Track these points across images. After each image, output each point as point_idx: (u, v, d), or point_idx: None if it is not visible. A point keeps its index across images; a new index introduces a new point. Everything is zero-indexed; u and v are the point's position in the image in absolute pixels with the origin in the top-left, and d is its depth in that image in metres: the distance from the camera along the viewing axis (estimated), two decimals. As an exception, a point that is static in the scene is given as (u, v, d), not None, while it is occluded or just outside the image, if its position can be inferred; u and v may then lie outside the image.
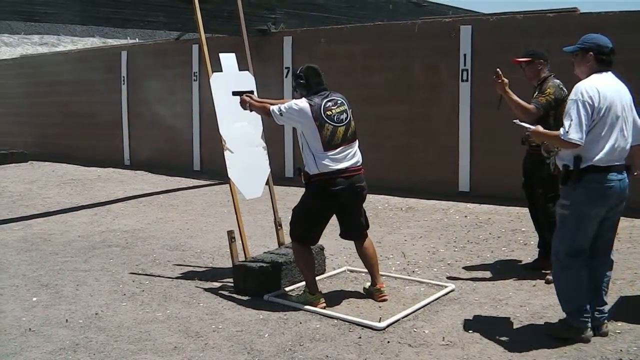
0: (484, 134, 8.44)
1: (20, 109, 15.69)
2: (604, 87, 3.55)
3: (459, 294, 4.64)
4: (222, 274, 5.22)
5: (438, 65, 8.93)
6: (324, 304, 4.37)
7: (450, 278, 5.06)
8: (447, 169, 8.79)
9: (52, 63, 15.32)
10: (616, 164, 3.58)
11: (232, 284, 4.86)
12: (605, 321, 3.77)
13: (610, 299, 4.17)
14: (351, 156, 4.36)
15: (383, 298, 4.51)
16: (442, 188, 8.66)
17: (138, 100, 12.70)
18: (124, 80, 13.05)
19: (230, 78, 5.09)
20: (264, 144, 5.33)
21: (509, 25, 8.36)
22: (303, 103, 4.30)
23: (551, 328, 3.87)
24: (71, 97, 14.19)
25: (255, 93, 5.04)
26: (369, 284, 4.66)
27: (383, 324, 3.98)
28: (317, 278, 4.62)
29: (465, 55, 8.60)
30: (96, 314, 4.35)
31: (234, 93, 4.77)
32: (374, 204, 8.09)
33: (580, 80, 3.65)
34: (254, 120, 5.18)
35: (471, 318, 4.15)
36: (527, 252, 5.76)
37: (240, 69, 5.25)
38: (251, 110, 4.69)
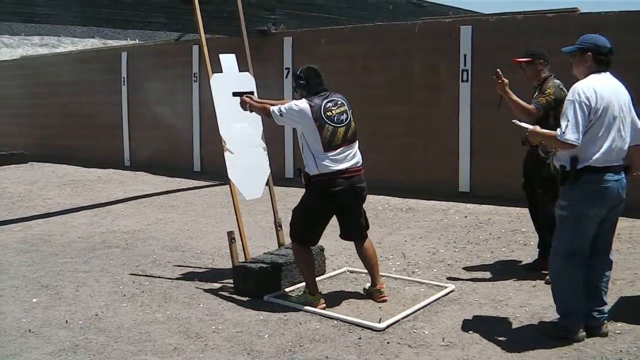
0: (484, 135, 8.44)
1: (20, 110, 15.70)
2: (601, 87, 3.56)
3: (459, 295, 4.63)
4: (222, 275, 5.22)
5: (438, 65, 8.94)
6: (324, 305, 4.37)
7: (450, 279, 5.06)
8: (447, 169, 8.79)
9: (53, 64, 15.33)
10: (613, 164, 3.58)
11: (232, 285, 4.86)
12: (605, 321, 3.77)
13: (610, 299, 4.17)
14: (351, 157, 4.36)
15: (383, 299, 4.51)
16: (442, 188, 8.66)
17: (138, 101, 12.71)
18: (124, 81, 13.06)
19: (230, 79, 5.09)
20: (264, 145, 5.33)
21: (509, 25, 8.36)
22: (303, 104, 4.30)
23: (545, 327, 3.88)
24: (71, 98, 14.19)
25: (256, 94, 5.04)
26: (369, 284, 4.65)
27: (383, 325, 3.98)
28: (317, 279, 4.62)
29: (465, 55, 8.60)
30: (96, 315, 4.35)
31: (234, 94, 4.77)
32: (374, 205, 8.09)
33: (578, 80, 3.65)
34: (254, 121, 5.18)
35: (471, 319, 4.15)
36: (527, 252, 5.75)
37: (240, 70, 5.25)
38: (251, 111, 4.69)
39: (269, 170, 5.34)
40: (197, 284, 5.03)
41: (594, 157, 3.52)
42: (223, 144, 4.93)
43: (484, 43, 8.45)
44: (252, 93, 4.84)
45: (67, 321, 4.22)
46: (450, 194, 8.54)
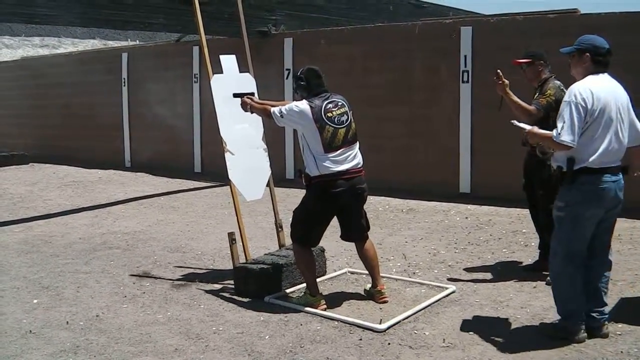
0: (484, 135, 8.44)
1: (21, 111, 15.71)
2: (598, 88, 3.56)
3: (459, 296, 4.63)
4: (223, 276, 5.22)
5: (438, 66, 8.94)
6: (325, 306, 4.37)
7: (451, 280, 5.06)
8: (447, 170, 8.79)
9: (53, 65, 15.34)
10: (611, 165, 3.58)
11: (232, 286, 4.86)
12: (606, 322, 3.77)
13: (611, 300, 4.17)
14: (352, 158, 4.36)
15: (384, 300, 4.51)
16: (443, 189, 8.66)
17: (139, 102, 12.71)
18: (124, 82, 13.06)
19: (230, 80, 5.09)
20: (265, 146, 5.33)
21: (510, 26, 8.36)
22: (304, 105, 4.30)
23: (546, 328, 3.89)
24: (72, 99, 14.20)
25: (256, 95, 5.04)
26: (369, 285, 4.65)
27: (384, 326, 3.98)
28: (317, 280, 4.61)
29: (465, 56, 8.60)
30: (97, 316, 4.35)
31: (235, 95, 4.77)
32: (375, 206, 8.09)
33: (576, 81, 3.66)
34: (255, 122, 5.18)
35: (472, 320, 4.15)
36: (528, 253, 5.75)
37: (240, 71, 5.25)
38: (252, 112, 4.69)
39: (270, 171, 5.34)
40: (198, 285, 5.03)
41: (590, 159, 3.53)
42: (223, 145, 4.93)
43: (484, 44, 8.46)
44: (252, 94, 4.85)
45: (67, 322, 4.22)
46: (451, 195, 8.54)
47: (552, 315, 4.04)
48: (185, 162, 11.96)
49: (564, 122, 3.49)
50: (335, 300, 4.56)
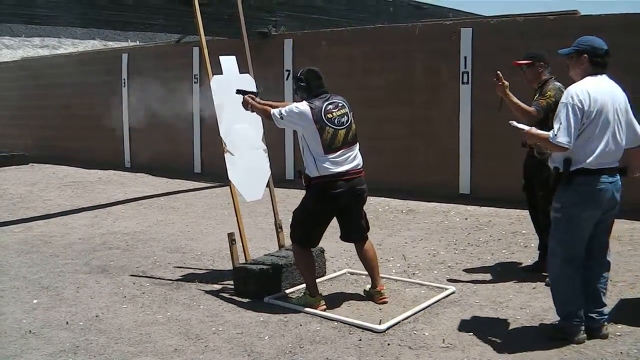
0: (484, 137, 8.44)
1: (21, 112, 15.70)
2: (595, 90, 3.56)
3: (459, 297, 4.64)
4: (223, 277, 5.22)
5: (438, 67, 8.94)
6: (324, 307, 4.37)
7: (450, 280, 5.06)
8: (447, 171, 8.79)
9: (53, 65, 15.34)
10: (608, 166, 3.59)
11: (232, 287, 4.86)
12: (605, 323, 3.77)
13: (611, 301, 4.18)
14: (352, 159, 4.36)
15: (383, 300, 4.51)
16: (443, 190, 8.66)
17: (139, 102, 12.70)
18: (124, 83, 13.07)
19: (230, 81, 5.10)
20: (265, 147, 5.33)
21: (510, 27, 8.37)
22: (304, 106, 4.30)
23: (545, 329, 3.89)
24: (72, 100, 14.20)
25: (259, 96, 5.04)
26: (369, 286, 4.66)
27: (383, 327, 3.98)
28: (317, 280, 4.61)
29: (465, 57, 8.61)
30: (96, 316, 4.35)
31: (238, 91, 4.75)
32: (375, 207, 8.09)
33: (574, 82, 3.66)
34: (255, 123, 5.18)
35: (471, 320, 4.15)
36: (528, 254, 5.75)
37: (240, 72, 5.26)
38: (252, 111, 4.69)
39: (270, 172, 5.35)
40: (198, 285, 5.03)
41: (588, 160, 3.54)
42: (223, 145, 4.93)
43: (484, 45, 8.46)
44: (256, 94, 4.84)
45: (67, 322, 4.22)
46: (451, 196, 8.54)
47: (551, 316, 4.05)
48: (185, 162, 11.97)
49: (561, 124, 3.50)
50: (335, 300, 4.56)
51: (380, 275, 4.66)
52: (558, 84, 4.86)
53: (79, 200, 9.52)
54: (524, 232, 6.61)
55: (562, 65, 4.00)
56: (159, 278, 5.28)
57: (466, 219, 7.49)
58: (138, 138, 12.99)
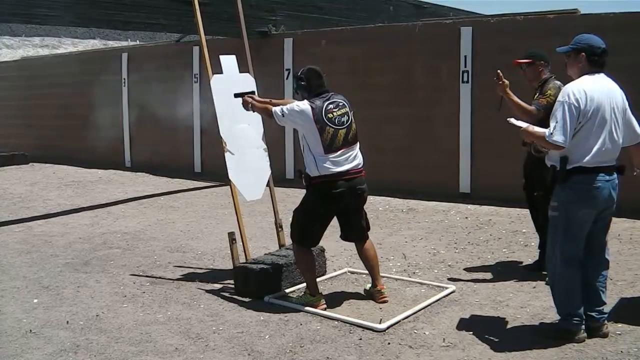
0: (484, 136, 8.44)
1: (21, 111, 15.71)
2: (592, 89, 3.56)
3: (459, 296, 4.64)
4: (223, 276, 5.22)
5: (438, 66, 8.94)
6: (325, 306, 4.37)
7: (450, 279, 5.06)
8: (447, 170, 8.79)
9: (53, 65, 15.34)
10: (605, 165, 3.59)
11: (232, 286, 4.86)
12: (606, 322, 3.77)
13: (611, 300, 4.18)
14: (352, 158, 4.36)
15: (383, 299, 4.51)
16: (443, 189, 8.66)
17: (139, 101, 12.71)
18: (124, 82, 13.06)
19: (230, 80, 5.10)
20: (265, 146, 5.33)
21: (510, 26, 8.36)
22: (305, 105, 4.31)
23: (546, 328, 3.90)
24: (72, 99, 14.19)
25: (256, 93, 5.04)
26: (369, 285, 4.66)
27: (383, 326, 3.98)
28: (317, 279, 4.61)
29: (465, 56, 8.60)
30: (97, 315, 4.36)
31: (236, 95, 4.77)
32: (375, 206, 8.09)
33: (572, 80, 3.66)
34: (255, 122, 5.18)
35: (472, 319, 4.15)
36: (528, 253, 5.76)
37: (240, 71, 5.25)
38: (254, 111, 4.69)
39: (270, 171, 5.34)
40: (198, 284, 5.03)
41: (585, 159, 3.54)
42: (223, 144, 4.93)
43: (484, 44, 8.45)
44: (253, 93, 4.84)
45: (68, 322, 4.23)
46: (451, 195, 8.54)
47: (551, 315, 4.05)
48: (185, 162, 11.96)
49: (557, 122, 3.51)
50: (335, 300, 4.56)
51: (381, 274, 4.66)
52: (558, 83, 4.86)
53: (79, 199, 9.52)
54: (524, 231, 6.61)
55: (563, 64, 4.00)
56: (160, 277, 5.28)
57: (466, 218, 7.49)
58: (138, 137, 12.99)
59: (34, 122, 15.33)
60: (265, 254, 5.17)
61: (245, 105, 4.68)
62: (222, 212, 8.19)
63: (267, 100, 4.67)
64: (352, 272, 5.31)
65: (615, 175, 3.64)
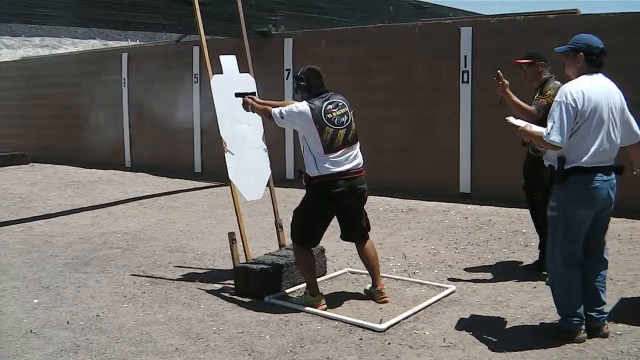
0: (484, 136, 8.44)
1: (21, 111, 15.71)
2: (590, 89, 3.56)
3: (459, 296, 4.64)
4: (223, 276, 5.22)
5: (438, 66, 8.94)
6: (325, 306, 4.37)
7: (451, 279, 5.06)
8: (447, 170, 8.79)
9: (53, 65, 15.34)
10: (603, 165, 3.59)
11: (233, 286, 4.86)
12: (606, 322, 3.77)
13: (611, 300, 4.18)
14: (352, 158, 4.36)
15: (384, 299, 4.51)
16: (443, 190, 8.66)
17: (139, 102, 12.71)
18: (124, 82, 13.06)
19: (230, 80, 5.10)
20: (265, 146, 5.33)
21: (510, 26, 8.36)
22: (304, 106, 4.30)
23: (546, 328, 3.90)
24: (72, 99, 14.20)
25: (256, 94, 5.04)
26: (369, 285, 4.66)
27: (384, 326, 3.98)
28: (318, 280, 4.61)
29: (465, 56, 8.60)
30: (97, 315, 4.36)
31: (237, 95, 4.78)
32: (375, 206, 8.09)
33: (570, 80, 3.66)
34: (255, 122, 5.18)
35: (472, 319, 4.15)
36: (528, 253, 5.76)
37: (240, 71, 5.26)
38: (253, 112, 4.69)
39: (270, 172, 5.35)
40: (198, 284, 5.03)
41: (582, 159, 3.54)
42: (224, 145, 4.93)
43: (484, 44, 8.45)
44: (254, 94, 4.85)
45: (68, 322, 4.23)
46: (451, 195, 8.53)
47: (552, 315, 4.05)
48: (185, 162, 11.96)
49: (554, 122, 3.51)
50: (336, 300, 4.56)
51: (381, 274, 4.66)
52: (558, 83, 4.85)
53: (80, 199, 9.52)
54: (524, 231, 6.61)
55: (562, 64, 4.00)
56: (160, 277, 5.28)
57: (466, 218, 7.49)
58: (138, 137, 12.99)
59: (34, 122, 15.33)
60: (266, 254, 5.17)
61: (245, 106, 4.68)
62: (222, 212, 8.19)
63: (267, 101, 4.67)
64: (353, 272, 5.31)
65: (613, 176, 3.64)
